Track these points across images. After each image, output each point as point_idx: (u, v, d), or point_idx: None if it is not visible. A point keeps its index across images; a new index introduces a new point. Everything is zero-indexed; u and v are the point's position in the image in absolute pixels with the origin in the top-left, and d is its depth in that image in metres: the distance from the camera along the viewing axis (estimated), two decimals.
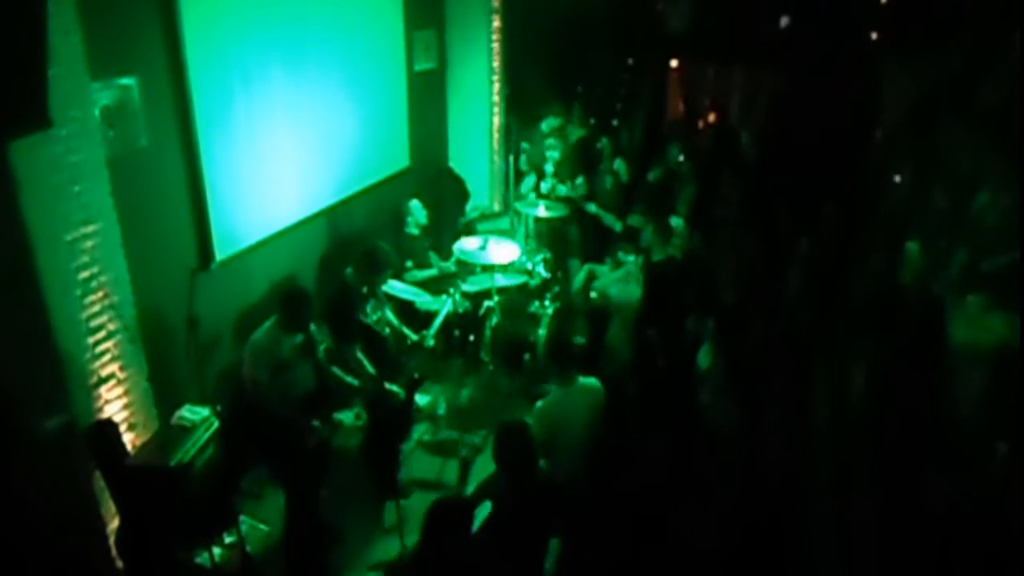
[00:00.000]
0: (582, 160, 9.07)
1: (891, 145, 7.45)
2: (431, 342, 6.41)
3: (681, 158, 8.85)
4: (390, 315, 6.26)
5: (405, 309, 6.64)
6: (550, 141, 8.72)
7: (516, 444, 4.05)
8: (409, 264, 7.05)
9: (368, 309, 5.93)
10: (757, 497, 4.02)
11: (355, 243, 7.23)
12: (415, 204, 7.19)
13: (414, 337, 6.36)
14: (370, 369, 5.62)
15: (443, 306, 6.59)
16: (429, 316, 6.61)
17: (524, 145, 9.33)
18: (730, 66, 10.63)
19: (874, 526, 3.88)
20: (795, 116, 9.11)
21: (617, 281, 6.57)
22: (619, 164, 8.70)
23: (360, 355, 5.63)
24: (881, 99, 8.13)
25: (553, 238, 8.39)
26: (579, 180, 8.51)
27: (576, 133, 9.47)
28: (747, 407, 4.24)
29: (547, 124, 9.39)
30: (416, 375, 6.01)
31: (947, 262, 5.56)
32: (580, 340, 5.57)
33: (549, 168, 8.48)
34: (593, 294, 6.83)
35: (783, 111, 9.52)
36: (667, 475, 4.30)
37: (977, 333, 4.70)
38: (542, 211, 7.78)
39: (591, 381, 4.73)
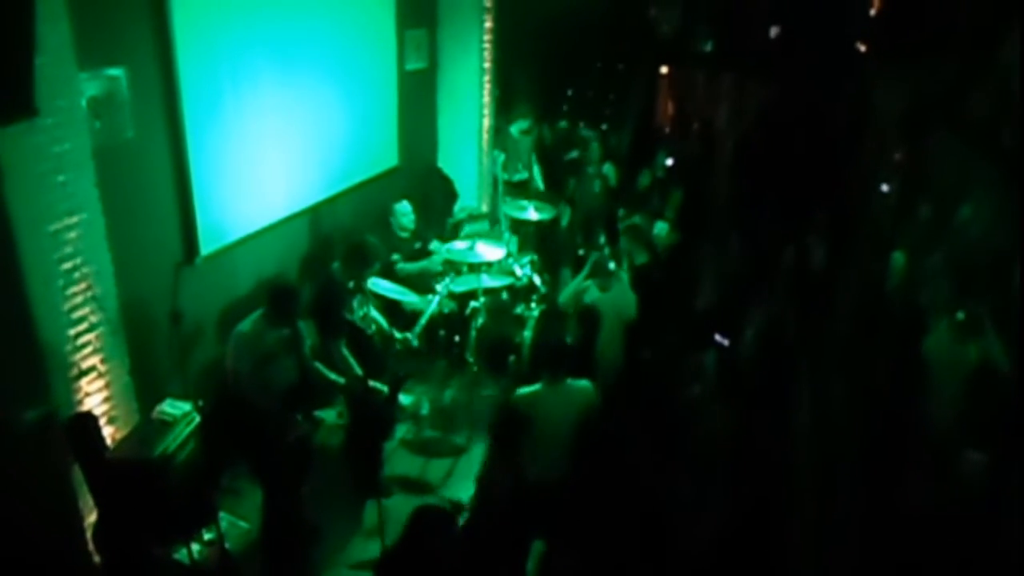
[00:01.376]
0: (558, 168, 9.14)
1: (879, 155, 7.50)
2: (416, 342, 6.40)
3: (669, 162, 8.89)
4: (375, 313, 6.24)
5: (390, 308, 6.62)
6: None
7: (510, 420, 4.09)
8: (396, 257, 7.01)
9: (354, 305, 5.90)
10: (743, 500, 4.03)
11: (341, 240, 7.21)
12: (403, 206, 7.16)
13: (399, 336, 6.34)
14: (355, 366, 5.58)
15: (428, 305, 6.57)
16: (415, 314, 6.60)
17: (497, 153, 9.33)
18: (720, 73, 10.69)
19: (854, 529, 3.90)
20: (784, 124, 9.16)
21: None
22: (608, 168, 8.72)
23: (346, 351, 5.60)
24: (870, 109, 8.19)
25: (541, 240, 8.41)
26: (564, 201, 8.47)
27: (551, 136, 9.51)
28: (736, 410, 4.26)
29: (516, 127, 9.40)
30: (400, 374, 5.98)
31: (932, 273, 5.60)
32: (569, 341, 5.55)
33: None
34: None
35: (772, 119, 9.57)
36: (655, 476, 4.31)
37: (958, 347, 4.74)
38: (531, 213, 7.79)
39: (582, 383, 4.72)
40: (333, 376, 5.42)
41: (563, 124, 10.30)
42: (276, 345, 4.89)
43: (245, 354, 4.79)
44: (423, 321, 6.43)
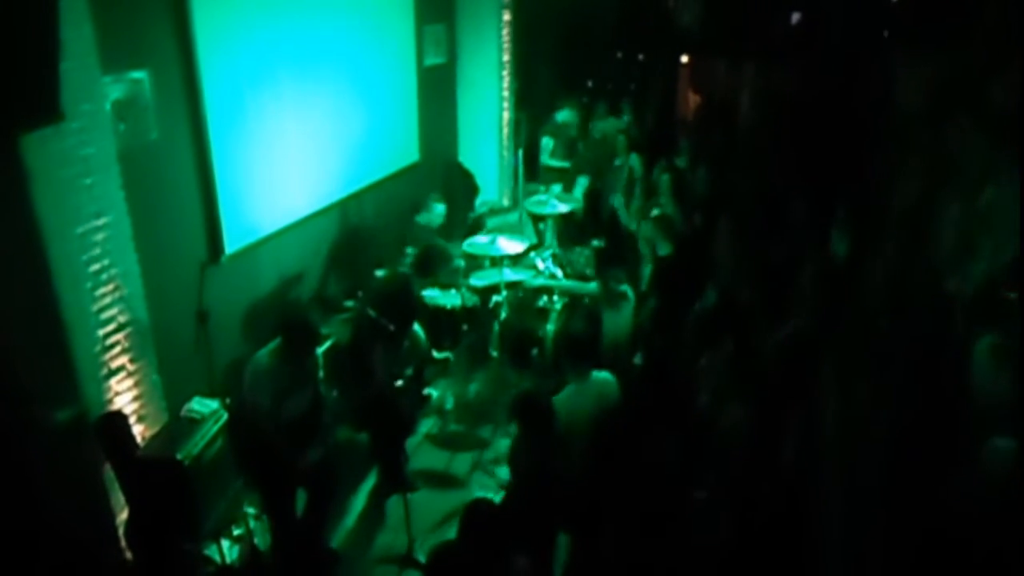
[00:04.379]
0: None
1: (902, 142, 7.41)
2: (452, 358, 6.47)
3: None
4: (416, 325, 6.26)
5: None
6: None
7: (536, 411, 4.12)
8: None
9: None
10: (765, 497, 4.01)
11: (365, 237, 7.26)
12: (438, 205, 7.22)
13: (438, 356, 6.37)
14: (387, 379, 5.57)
15: (454, 302, 6.61)
16: (439, 316, 6.62)
17: (546, 140, 9.31)
18: (741, 62, 10.61)
19: (882, 529, 3.86)
20: (806, 112, 9.08)
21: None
22: (634, 159, 8.70)
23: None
24: (893, 96, 8.09)
25: (564, 234, 8.41)
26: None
27: (602, 126, 9.49)
28: (755, 406, 4.23)
29: (561, 116, 9.39)
30: (425, 393, 6.04)
31: (960, 263, 5.52)
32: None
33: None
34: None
35: (794, 106, 9.49)
36: (672, 473, 4.29)
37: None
38: (553, 207, 7.79)
39: (604, 375, 4.73)
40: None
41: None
42: (294, 379, 4.70)
43: (264, 389, 4.59)
44: (464, 344, 6.48)
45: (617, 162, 8.92)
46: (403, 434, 5.66)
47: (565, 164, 9.43)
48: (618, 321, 5.87)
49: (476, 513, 3.56)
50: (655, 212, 7.07)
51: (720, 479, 4.10)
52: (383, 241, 7.30)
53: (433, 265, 5.84)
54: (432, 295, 6.72)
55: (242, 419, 4.72)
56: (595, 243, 8.21)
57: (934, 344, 4.77)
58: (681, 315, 5.51)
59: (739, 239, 6.51)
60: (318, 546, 4.98)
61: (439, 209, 7.20)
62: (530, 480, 4.14)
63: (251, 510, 5.07)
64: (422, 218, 7.18)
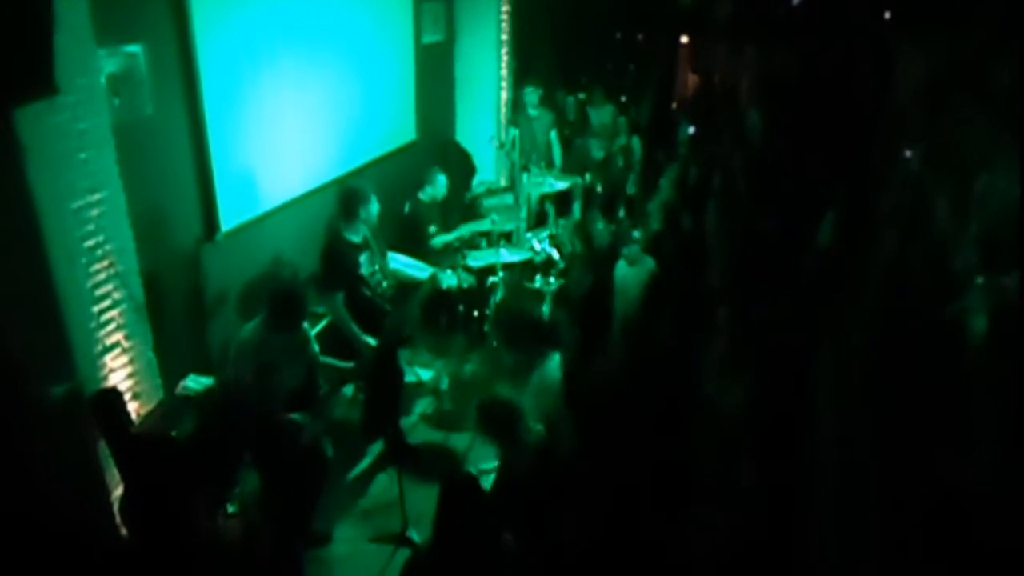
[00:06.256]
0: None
1: (902, 125, 7.40)
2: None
3: (691, 130, 8.85)
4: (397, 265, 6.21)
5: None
6: None
7: (496, 417, 4.11)
8: (433, 229, 7.03)
9: (363, 260, 5.81)
10: (762, 480, 4.02)
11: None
12: (441, 176, 7.18)
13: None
14: (351, 325, 5.52)
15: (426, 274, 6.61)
16: (435, 297, 6.62)
17: (513, 131, 9.23)
18: (741, 43, 10.56)
19: (879, 509, 3.88)
20: (806, 94, 9.06)
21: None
22: (635, 142, 8.69)
23: (343, 309, 5.54)
24: (893, 78, 8.08)
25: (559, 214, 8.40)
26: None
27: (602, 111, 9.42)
28: (753, 388, 4.24)
29: (529, 98, 9.23)
30: (402, 334, 5.97)
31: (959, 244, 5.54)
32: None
33: None
34: None
35: (794, 89, 9.46)
36: (669, 457, 4.31)
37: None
38: (549, 186, 7.78)
39: (552, 359, 4.73)
40: (342, 364, 5.35)
41: (582, 96, 10.21)
42: (280, 352, 4.62)
43: (247, 362, 4.53)
44: (423, 292, 6.47)
45: (619, 142, 8.90)
46: (391, 386, 5.57)
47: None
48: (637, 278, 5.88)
49: (452, 486, 3.56)
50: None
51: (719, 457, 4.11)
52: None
53: (351, 206, 5.70)
54: (426, 275, 6.71)
55: (227, 394, 4.70)
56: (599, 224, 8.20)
57: (931, 326, 4.79)
58: (669, 299, 5.54)
59: (731, 222, 6.52)
60: (311, 524, 4.99)
61: (442, 180, 7.15)
62: (512, 475, 4.15)
63: (246, 488, 5.08)
64: (425, 194, 7.14)
